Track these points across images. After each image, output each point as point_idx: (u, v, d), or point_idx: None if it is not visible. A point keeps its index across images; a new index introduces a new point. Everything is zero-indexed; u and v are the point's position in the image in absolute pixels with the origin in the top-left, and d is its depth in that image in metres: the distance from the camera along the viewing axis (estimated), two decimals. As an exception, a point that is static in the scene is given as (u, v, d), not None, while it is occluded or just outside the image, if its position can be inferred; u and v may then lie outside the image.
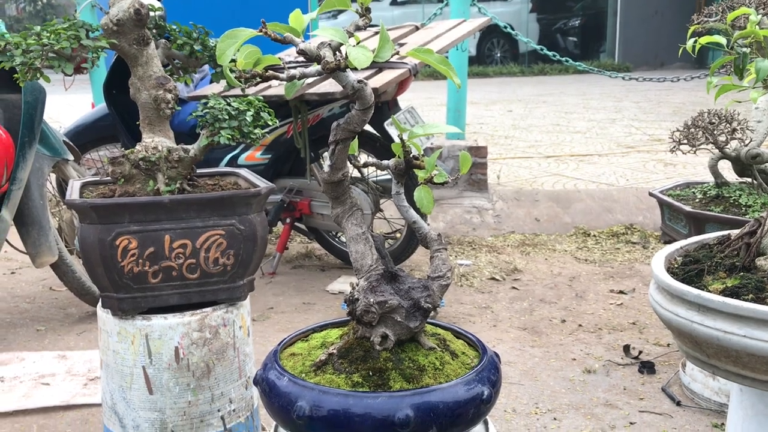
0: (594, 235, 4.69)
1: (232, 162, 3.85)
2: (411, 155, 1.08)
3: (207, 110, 1.70)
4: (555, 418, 2.30)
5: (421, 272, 3.96)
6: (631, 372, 2.66)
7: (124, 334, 1.74)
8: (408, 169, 1.11)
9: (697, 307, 1.29)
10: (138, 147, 1.79)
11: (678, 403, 2.38)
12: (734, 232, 1.62)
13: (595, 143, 7.24)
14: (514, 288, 3.73)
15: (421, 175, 1.07)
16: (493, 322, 3.23)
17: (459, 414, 1.03)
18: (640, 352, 2.80)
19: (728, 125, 2.09)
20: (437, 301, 1.10)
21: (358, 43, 0.94)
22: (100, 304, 1.77)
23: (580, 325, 3.18)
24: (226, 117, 1.68)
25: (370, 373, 1.05)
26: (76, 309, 3.39)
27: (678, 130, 2.19)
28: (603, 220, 4.88)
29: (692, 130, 2.13)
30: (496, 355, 1.18)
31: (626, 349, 2.83)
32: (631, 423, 2.26)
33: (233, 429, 1.85)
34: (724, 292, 1.30)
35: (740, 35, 1.26)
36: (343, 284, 3.75)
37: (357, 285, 1.09)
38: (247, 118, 1.70)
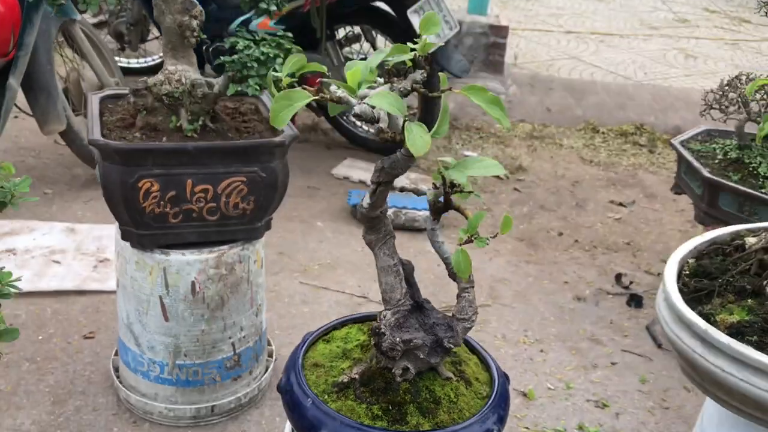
0: (603, 133, 4.65)
1: (244, 25, 3.70)
2: (450, 192, 1.07)
3: (236, 55, 1.63)
4: (542, 350, 2.44)
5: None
6: (620, 303, 2.77)
7: (142, 264, 1.79)
8: (446, 209, 1.10)
9: (702, 340, 1.34)
10: (160, 76, 1.73)
11: (659, 346, 2.51)
12: (750, 240, 1.64)
13: (617, 18, 6.96)
14: (516, 189, 3.77)
15: (461, 235, 1.07)
16: (493, 229, 3.28)
17: (468, 452, 1.11)
18: (631, 283, 2.91)
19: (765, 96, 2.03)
20: (459, 342, 1.14)
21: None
22: (119, 231, 1.79)
23: (576, 241, 3.26)
24: (255, 65, 1.61)
25: (390, 407, 1.11)
26: (83, 170, 3.40)
27: (712, 91, 2.13)
28: (614, 117, 4.82)
29: (726, 95, 2.07)
30: (506, 377, 1.25)
31: (618, 278, 2.93)
32: (612, 363, 2.40)
33: (242, 353, 1.95)
34: (731, 329, 1.35)
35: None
36: (348, 168, 3.77)
37: (384, 317, 1.12)
38: (277, 67, 1.63)
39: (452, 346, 1.13)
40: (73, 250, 2.72)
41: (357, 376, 1.14)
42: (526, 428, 2.08)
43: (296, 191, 3.46)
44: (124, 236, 1.75)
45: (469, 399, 1.16)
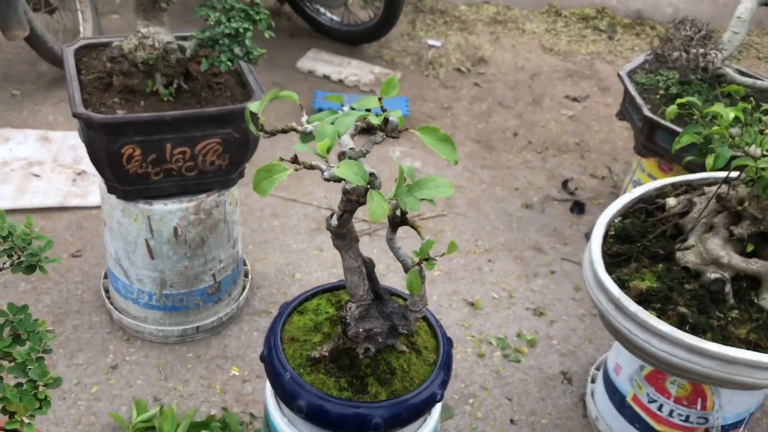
0: (565, 16, 4.71)
1: None
2: (404, 218, 1.26)
3: (206, 29, 1.71)
4: (489, 260, 2.72)
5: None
6: (564, 210, 3.03)
7: (127, 212, 1.96)
8: (403, 224, 1.29)
9: (615, 305, 1.60)
10: (134, 40, 1.81)
11: (594, 254, 2.80)
12: (670, 201, 1.87)
13: None
14: (476, 84, 3.90)
15: (413, 258, 1.26)
16: (452, 130, 3.47)
17: (416, 413, 1.38)
18: (576, 189, 3.16)
19: (704, 39, 2.17)
20: (412, 329, 1.37)
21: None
22: (104, 186, 1.94)
23: (530, 142, 3.46)
24: (226, 40, 1.70)
25: (354, 380, 1.36)
26: (47, 67, 3.42)
27: (658, 45, 2.25)
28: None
29: (670, 43, 2.19)
30: (449, 341, 1.50)
31: (564, 183, 3.17)
32: (552, 272, 2.70)
33: (222, 281, 2.18)
34: (640, 297, 1.60)
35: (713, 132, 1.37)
36: (312, 61, 3.82)
37: (350, 310, 1.34)
38: (247, 41, 1.72)
39: (405, 332, 1.37)
40: (50, 161, 2.84)
41: (327, 354, 1.38)
42: (472, 336, 2.39)
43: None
44: (110, 190, 1.90)
45: (419, 367, 1.42)
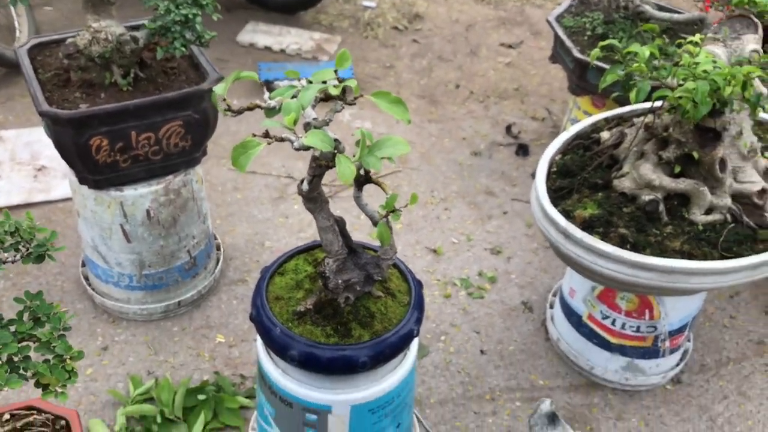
0: (492, -35, 4.82)
1: None
2: (369, 174, 1.39)
3: (157, 18, 1.79)
4: (446, 208, 2.88)
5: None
6: (509, 154, 3.20)
7: (100, 200, 2.04)
8: (367, 182, 1.42)
9: (563, 234, 1.77)
10: (87, 35, 1.88)
11: (542, 191, 2.99)
12: (604, 135, 2.04)
13: None
14: (415, 41, 4.01)
15: (380, 212, 1.40)
16: (397, 88, 3.59)
17: (397, 349, 1.53)
18: (519, 132, 3.32)
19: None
20: (385, 276, 1.51)
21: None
22: (75, 178, 2.02)
23: (471, 92, 3.61)
24: (177, 27, 1.79)
25: (339, 327, 1.50)
26: (-12, 66, 3.41)
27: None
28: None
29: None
30: (419, 283, 1.65)
31: (508, 128, 3.33)
32: (504, 212, 2.88)
33: (197, 256, 2.29)
34: (584, 224, 1.78)
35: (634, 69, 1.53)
36: (252, 34, 3.88)
37: (328, 264, 1.48)
38: (197, 26, 1.81)
39: (379, 279, 1.51)
40: (8, 160, 2.88)
41: (311, 307, 1.52)
42: (438, 280, 2.56)
43: (207, 67, 3.59)
44: (81, 181, 1.98)
45: (395, 309, 1.57)
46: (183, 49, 1.81)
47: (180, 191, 2.11)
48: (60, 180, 2.79)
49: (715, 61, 1.48)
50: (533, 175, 3.06)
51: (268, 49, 3.80)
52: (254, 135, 1.21)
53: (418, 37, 4.04)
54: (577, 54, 2.51)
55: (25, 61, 1.96)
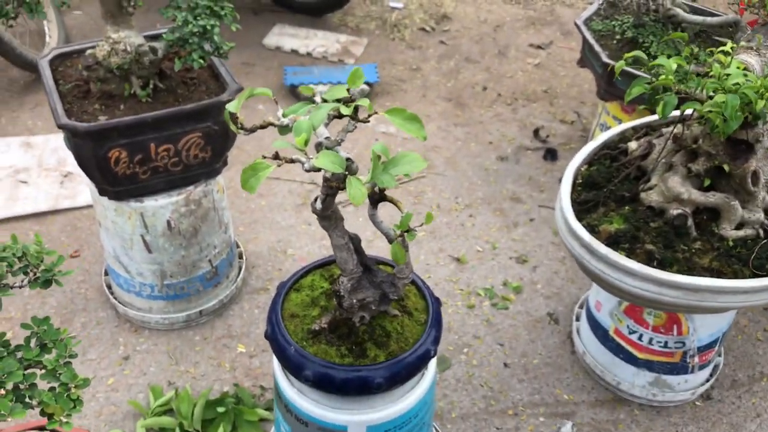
0: (522, -37, 4.74)
1: None
2: (383, 192, 1.36)
3: (175, 29, 1.77)
4: (471, 215, 2.83)
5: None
6: (537, 158, 3.14)
7: (120, 211, 2.04)
8: (382, 200, 1.39)
9: (587, 249, 1.72)
10: (106, 47, 1.88)
11: (570, 197, 2.92)
12: (632, 145, 1.98)
13: None
14: (442, 42, 3.96)
15: (395, 231, 1.36)
16: (423, 91, 3.54)
17: (413, 370, 1.50)
18: (548, 136, 3.26)
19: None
20: (401, 294, 1.48)
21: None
22: (95, 189, 2.02)
23: (499, 95, 3.55)
24: (195, 39, 1.77)
25: (353, 347, 1.48)
26: (18, 72, 3.46)
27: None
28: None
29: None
30: (437, 301, 1.61)
31: (536, 132, 3.27)
32: (531, 219, 2.82)
33: (218, 265, 2.29)
34: (609, 239, 1.72)
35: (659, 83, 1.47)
36: (278, 37, 3.87)
37: (342, 284, 1.45)
38: (215, 37, 1.79)
39: (395, 298, 1.48)
40: (36, 167, 2.91)
41: (326, 326, 1.50)
42: (461, 290, 2.52)
43: (232, 69, 3.59)
44: (101, 192, 1.99)
45: (412, 328, 1.54)
46: (201, 61, 1.80)
47: (201, 201, 2.11)
48: (85, 186, 2.81)
49: (746, 73, 1.42)
50: (561, 181, 3.00)
51: (294, 52, 3.78)
52: (264, 157, 1.19)
53: (446, 39, 3.99)
54: (605, 59, 2.45)
55: (47, 72, 1.97)
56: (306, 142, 1.20)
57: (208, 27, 1.77)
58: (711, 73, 1.57)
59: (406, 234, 1.35)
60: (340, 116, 1.27)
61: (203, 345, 2.28)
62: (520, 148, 3.20)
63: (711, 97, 1.52)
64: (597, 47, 2.51)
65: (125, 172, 1.90)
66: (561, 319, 2.41)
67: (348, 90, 1.25)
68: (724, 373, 2.25)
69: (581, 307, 2.37)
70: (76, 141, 1.83)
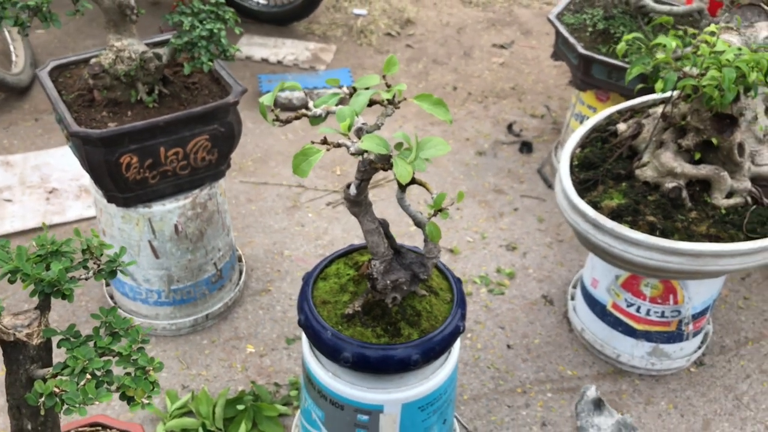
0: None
1: None
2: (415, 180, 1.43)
3: (183, 34, 1.81)
4: (458, 208, 2.92)
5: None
6: (514, 151, 3.25)
7: (128, 218, 2.06)
8: (412, 183, 1.45)
9: (592, 224, 1.82)
10: (111, 55, 1.90)
11: (549, 186, 3.04)
12: (621, 127, 2.09)
13: None
14: (409, 46, 4.06)
15: (429, 210, 1.43)
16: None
17: (446, 345, 1.56)
18: (521, 130, 3.38)
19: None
20: (430, 274, 1.55)
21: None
22: (103, 197, 2.03)
23: (469, 94, 3.66)
24: (203, 42, 1.81)
25: (388, 327, 1.53)
26: (-13, 92, 3.40)
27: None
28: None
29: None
30: (459, 281, 1.68)
31: (509, 127, 3.38)
32: (515, 209, 2.92)
33: (222, 268, 2.31)
34: (612, 213, 1.83)
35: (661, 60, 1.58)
36: (247, 47, 3.90)
37: (375, 266, 1.51)
38: (222, 39, 1.83)
39: (426, 278, 1.55)
40: (18, 184, 2.87)
41: (360, 309, 1.55)
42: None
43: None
44: (110, 200, 1.99)
45: (440, 306, 1.61)
46: (210, 63, 1.84)
47: (206, 204, 2.13)
48: (73, 201, 2.80)
49: (740, 49, 1.54)
50: (540, 172, 3.12)
51: (265, 61, 3.82)
52: (313, 142, 1.24)
53: (412, 42, 4.09)
54: (581, 50, 2.57)
55: (48, 83, 1.97)
56: (350, 128, 1.26)
57: (215, 30, 1.81)
58: (699, 53, 1.69)
59: (439, 213, 1.42)
60: (370, 104, 1.34)
61: (212, 348, 2.30)
62: (496, 142, 3.30)
63: (704, 74, 1.63)
64: (572, 39, 2.63)
65: (136, 177, 1.92)
66: (555, 300, 2.51)
67: (384, 77, 1.31)
68: (713, 340, 2.38)
69: (575, 287, 2.47)
70: (87, 148, 1.85)
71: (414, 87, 3.69)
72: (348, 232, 2.75)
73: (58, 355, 1.12)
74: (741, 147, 1.84)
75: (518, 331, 2.40)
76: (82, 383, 1.03)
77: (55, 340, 1.18)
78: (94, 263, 1.16)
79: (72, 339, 1.11)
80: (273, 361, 2.26)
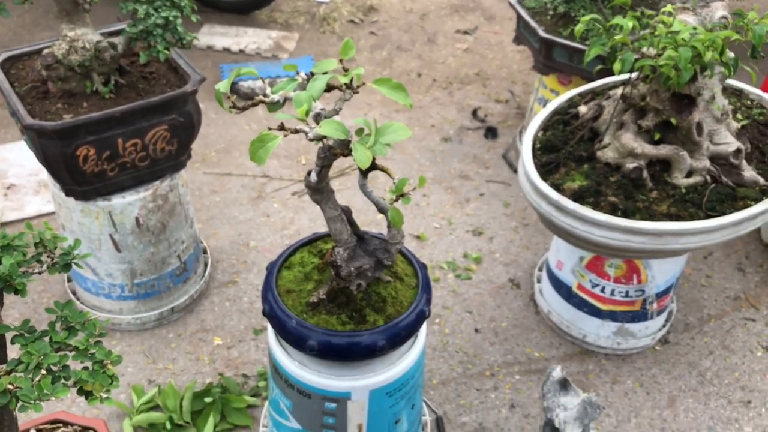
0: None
1: None
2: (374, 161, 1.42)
3: (138, 22, 1.77)
4: (424, 195, 2.92)
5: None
6: (479, 137, 3.26)
7: (87, 212, 2.02)
8: (372, 170, 1.44)
9: (555, 206, 1.83)
10: (64, 45, 1.85)
11: (515, 171, 3.05)
12: (582, 109, 2.10)
13: None
14: (372, 33, 4.03)
15: (390, 195, 1.43)
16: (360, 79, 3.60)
17: (411, 330, 1.56)
18: (486, 116, 3.38)
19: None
20: (395, 260, 1.54)
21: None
22: (61, 191, 1.99)
23: (434, 80, 3.66)
24: (159, 30, 1.78)
25: (353, 314, 1.53)
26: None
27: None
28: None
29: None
30: (424, 266, 1.68)
31: (474, 113, 3.39)
32: (480, 194, 2.93)
33: (186, 260, 2.28)
34: (575, 195, 1.84)
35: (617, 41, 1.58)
36: (209, 37, 3.85)
37: (339, 254, 1.49)
38: (178, 27, 1.80)
39: (390, 263, 1.54)
40: (-26, 181, 2.81)
41: (324, 297, 1.54)
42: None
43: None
44: (68, 193, 1.95)
45: (405, 292, 1.60)
46: (166, 52, 1.80)
47: (167, 196, 2.10)
48: (32, 196, 2.74)
49: (695, 28, 1.55)
50: (505, 157, 3.13)
51: (227, 50, 3.77)
52: (270, 129, 1.22)
53: (375, 29, 4.07)
54: (543, 34, 2.58)
55: (0, 77, 1.92)
56: (307, 113, 1.24)
57: (171, 18, 1.78)
58: (656, 33, 1.70)
59: (401, 198, 1.41)
60: (328, 89, 1.32)
61: (178, 341, 2.27)
62: (462, 128, 3.31)
63: (660, 54, 1.65)
64: (533, 23, 2.63)
65: (93, 170, 1.88)
66: (522, 284, 2.53)
67: (341, 61, 1.30)
68: (677, 318, 2.42)
69: (540, 269, 2.49)
70: (43, 141, 1.80)
71: (378, 74, 3.67)
72: (314, 221, 2.74)
73: (14, 351, 1.10)
74: (699, 126, 1.86)
75: (486, 315, 2.41)
76: (37, 379, 1.00)
77: (9, 336, 1.15)
78: (48, 257, 1.13)
79: (26, 334, 1.08)
80: (240, 353, 2.24)
